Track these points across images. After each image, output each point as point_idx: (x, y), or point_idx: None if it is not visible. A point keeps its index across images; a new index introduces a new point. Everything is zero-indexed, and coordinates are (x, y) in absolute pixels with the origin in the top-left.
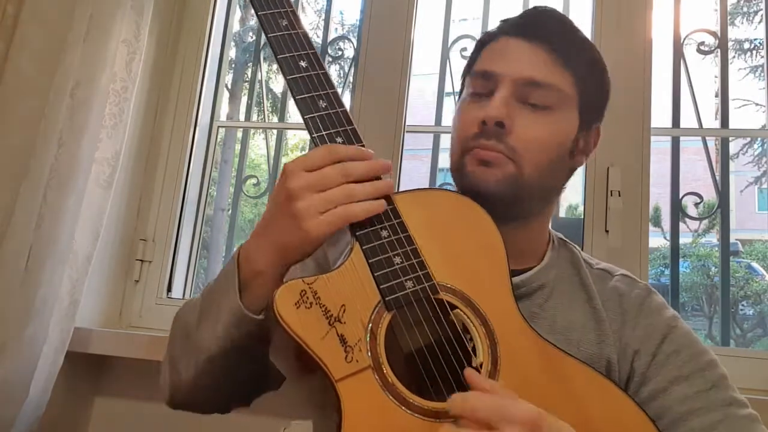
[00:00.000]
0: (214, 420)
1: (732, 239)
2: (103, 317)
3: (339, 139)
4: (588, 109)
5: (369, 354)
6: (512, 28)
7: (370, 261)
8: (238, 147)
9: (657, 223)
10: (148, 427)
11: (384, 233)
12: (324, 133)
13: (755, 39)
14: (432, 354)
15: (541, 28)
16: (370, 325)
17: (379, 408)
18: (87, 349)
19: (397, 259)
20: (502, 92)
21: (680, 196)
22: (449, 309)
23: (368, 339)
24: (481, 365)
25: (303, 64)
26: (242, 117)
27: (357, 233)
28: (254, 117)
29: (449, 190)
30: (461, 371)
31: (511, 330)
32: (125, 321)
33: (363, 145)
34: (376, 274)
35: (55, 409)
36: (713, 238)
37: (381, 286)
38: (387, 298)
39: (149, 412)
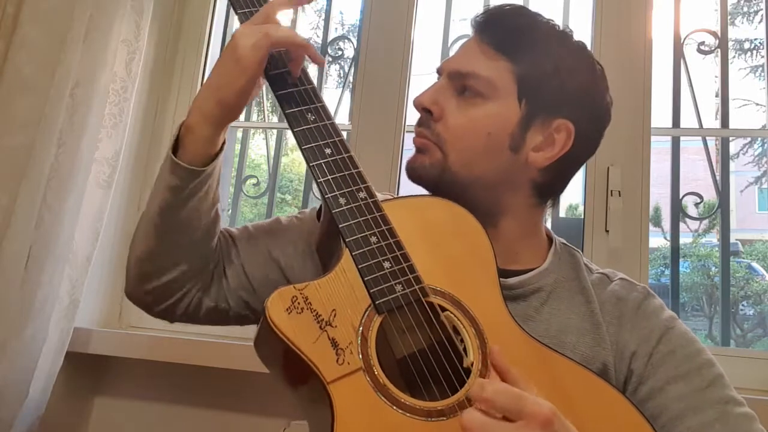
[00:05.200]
0: (214, 420)
1: (732, 239)
2: (102, 317)
3: (328, 150)
4: (534, 102)
5: (360, 356)
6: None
7: (359, 266)
8: (238, 147)
9: (657, 223)
10: (148, 427)
11: (373, 239)
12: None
13: (755, 39)
14: (423, 355)
15: (481, 21)
16: (361, 328)
17: (370, 408)
18: (87, 350)
19: (387, 264)
20: (437, 83)
21: (680, 196)
22: (439, 311)
23: (359, 342)
24: (471, 365)
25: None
26: (242, 117)
27: (347, 240)
28: (254, 117)
29: (437, 197)
30: (452, 372)
31: (500, 330)
32: (125, 321)
33: (351, 155)
34: (365, 279)
35: (55, 409)
36: (713, 238)
37: (371, 290)
38: (377, 302)
39: (149, 412)
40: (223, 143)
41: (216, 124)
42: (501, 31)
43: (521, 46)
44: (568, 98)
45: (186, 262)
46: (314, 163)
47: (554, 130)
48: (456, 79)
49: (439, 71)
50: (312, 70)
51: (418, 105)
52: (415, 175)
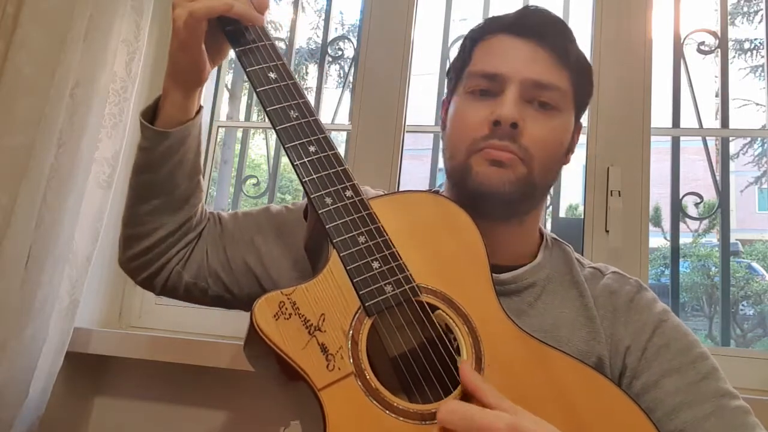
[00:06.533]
0: (214, 420)
1: (732, 239)
2: (102, 317)
3: (312, 148)
4: (579, 106)
5: (351, 361)
6: (508, 26)
7: (348, 268)
8: (238, 147)
9: (657, 223)
10: (148, 427)
11: (361, 239)
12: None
13: (755, 39)
14: (416, 356)
15: (537, 27)
16: (351, 331)
17: (363, 414)
18: (87, 350)
19: (376, 264)
20: (512, 93)
21: (680, 196)
22: (431, 310)
23: (349, 346)
24: None
25: (272, 75)
26: (242, 117)
27: (334, 240)
28: (254, 117)
29: (425, 192)
30: (445, 372)
31: (493, 327)
32: (125, 321)
33: (335, 152)
34: (354, 281)
35: (55, 409)
36: (713, 238)
37: (360, 292)
38: (366, 304)
39: (149, 412)
40: (198, 111)
41: (181, 89)
42: (560, 39)
43: (571, 53)
44: (589, 100)
45: (163, 229)
46: (298, 162)
47: (577, 132)
48: (531, 89)
49: (495, 77)
50: (312, 70)
51: (506, 121)
52: (492, 190)
